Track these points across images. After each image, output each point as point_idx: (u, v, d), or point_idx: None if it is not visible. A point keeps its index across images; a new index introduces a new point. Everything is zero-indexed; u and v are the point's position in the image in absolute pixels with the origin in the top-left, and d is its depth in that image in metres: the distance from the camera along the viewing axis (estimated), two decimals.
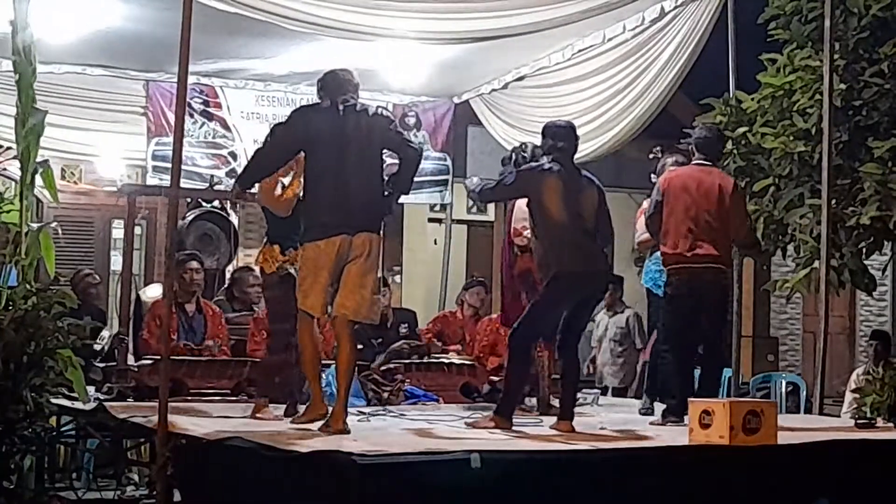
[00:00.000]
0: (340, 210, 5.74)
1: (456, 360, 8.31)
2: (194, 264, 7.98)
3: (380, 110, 6.04)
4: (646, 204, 7.24)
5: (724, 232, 6.60)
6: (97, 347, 7.98)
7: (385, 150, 5.96)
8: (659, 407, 7.14)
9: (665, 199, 6.66)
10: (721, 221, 6.56)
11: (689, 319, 6.61)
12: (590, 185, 6.31)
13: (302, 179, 6.18)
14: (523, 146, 7.24)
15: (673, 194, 6.63)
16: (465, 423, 6.15)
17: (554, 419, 6.14)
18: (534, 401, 7.21)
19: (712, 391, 6.49)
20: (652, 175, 7.42)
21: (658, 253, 7.17)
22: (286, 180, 6.53)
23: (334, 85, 5.98)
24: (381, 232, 5.90)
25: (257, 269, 7.07)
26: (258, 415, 6.35)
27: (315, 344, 5.97)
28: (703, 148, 6.81)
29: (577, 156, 6.44)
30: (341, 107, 5.87)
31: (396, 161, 6.02)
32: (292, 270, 6.46)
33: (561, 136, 6.34)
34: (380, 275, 6.06)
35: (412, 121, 11.19)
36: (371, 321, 5.94)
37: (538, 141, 6.56)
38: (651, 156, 7.68)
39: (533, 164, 6.40)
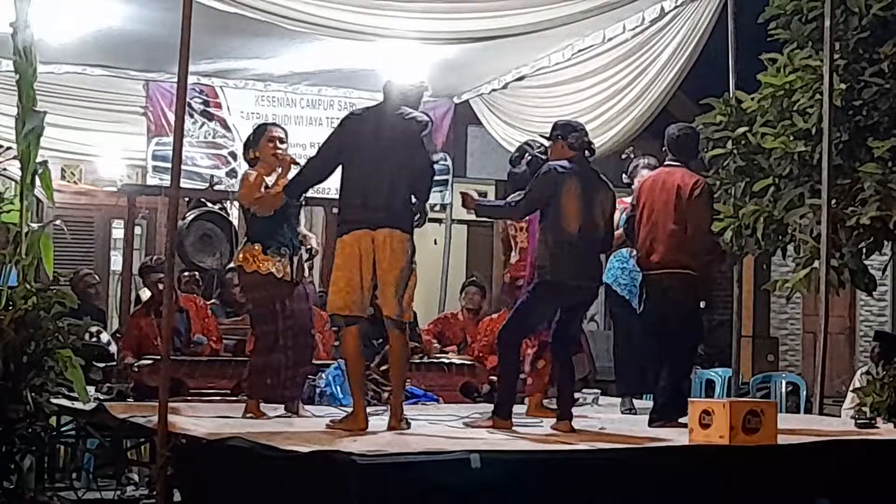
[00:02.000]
0: (363, 205, 5.77)
1: (456, 360, 8.31)
2: (158, 276, 7.85)
3: (414, 114, 6.01)
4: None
5: (684, 234, 6.46)
6: (112, 350, 7.99)
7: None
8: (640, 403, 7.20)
9: (637, 204, 6.66)
10: (677, 223, 6.45)
11: (666, 327, 6.52)
12: (606, 188, 6.23)
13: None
14: (531, 143, 7.14)
15: (642, 199, 6.62)
16: (462, 423, 6.15)
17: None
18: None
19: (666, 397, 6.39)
20: (624, 175, 7.44)
21: (623, 251, 7.23)
22: (270, 180, 6.53)
23: (390, 94, 6.02)
24: (407, 230, 5.86)
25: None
26: (249, 414, 6.35)
27: (357, 354, 5.91)
28: (673, 148, 6.73)
29: None
30: (384, 112, 5.94)
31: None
32: (274, 270, 6.45)
33: (585, 134, 6.26)
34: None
35: None
36: (402, 319, 5.86)
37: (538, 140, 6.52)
38: (623, 156, 7.69)
39: (553, 164, 6.17)
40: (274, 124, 6.92)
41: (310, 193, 7.29)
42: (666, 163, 6.76)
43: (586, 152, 6.23)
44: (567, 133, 6.22)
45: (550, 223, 6.08)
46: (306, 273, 6.88)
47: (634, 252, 6.93)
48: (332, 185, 6.16)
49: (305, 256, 6.95)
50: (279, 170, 6.53)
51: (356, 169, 5.86)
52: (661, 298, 6.51)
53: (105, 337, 8.05)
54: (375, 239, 5.77)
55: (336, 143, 6.01)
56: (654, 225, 6.51)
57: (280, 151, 6.60)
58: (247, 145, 6.79)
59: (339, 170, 6.02)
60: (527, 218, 6.66)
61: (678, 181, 6.52)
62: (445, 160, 11.47)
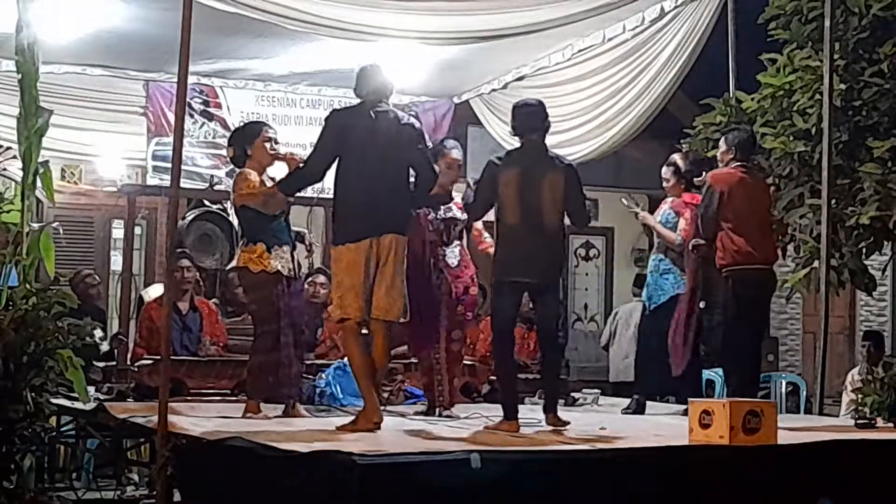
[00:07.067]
0: (368, 213, 5.80)
1: None
2: (185, 262, 7.97)
3: (410, 120, 6.06)
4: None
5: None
6: (104, 348, 7.99)
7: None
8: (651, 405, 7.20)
9: (725, 200, 6.68)
10: (770, 222, 6.81)
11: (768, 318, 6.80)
12: (555, 168, 6.07)
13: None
14: None
15: (736, 197, 6.69)
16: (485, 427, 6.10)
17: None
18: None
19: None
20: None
21: (663, 260, 7.23)
22: (264, 178, 6.51)
23: (367, 86, 6.01)
24: (406, 233, 5.99)
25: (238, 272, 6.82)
26: (249, 414, 6.35)
27: (362, 352, 5.94)
28: (740, 149, 6.92)
29: (576, 156, 6.41)
30: (373, 111, 5.92)
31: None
32: (280, 268, 6.44)
33: (530, 116, 6.15)
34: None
35: None
36: (396, 320, 5.99)
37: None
38: (685, 151, 7.69)
39: (492, 157, 6.17)
40: (266, 124, 6.89)
41: (307, 193, 7.31)
42: (738, 164, 6.88)
43: (535, 135, 6.10)
44: (515, 119, 6.18)
45: (497, 219, 6.09)
46: (303, 267, 6.91)
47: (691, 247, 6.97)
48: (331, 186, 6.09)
49: (304, 253, 6.96)
50: (281, 169, 6.51)
51: (354, 173, 5.85)
52: (771, 290, 6.83)
53: (98, 333, 8.05)
54: (381, 244, 5.82)
55: (332, 141, 5.92)
56: (760, 223, 6.77)
57: (278, 151, 6.58)
58: (237, 142, 6.69)
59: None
60: None
61: (764, 183, 6.99)
62: None
